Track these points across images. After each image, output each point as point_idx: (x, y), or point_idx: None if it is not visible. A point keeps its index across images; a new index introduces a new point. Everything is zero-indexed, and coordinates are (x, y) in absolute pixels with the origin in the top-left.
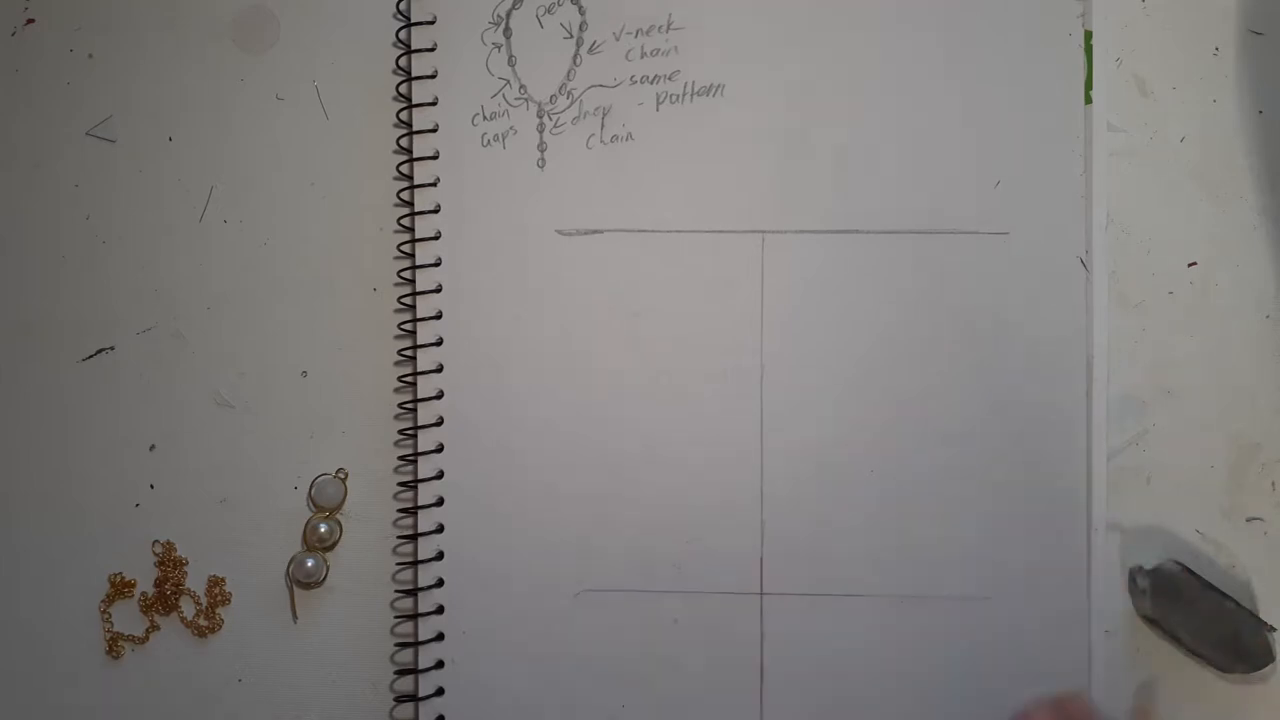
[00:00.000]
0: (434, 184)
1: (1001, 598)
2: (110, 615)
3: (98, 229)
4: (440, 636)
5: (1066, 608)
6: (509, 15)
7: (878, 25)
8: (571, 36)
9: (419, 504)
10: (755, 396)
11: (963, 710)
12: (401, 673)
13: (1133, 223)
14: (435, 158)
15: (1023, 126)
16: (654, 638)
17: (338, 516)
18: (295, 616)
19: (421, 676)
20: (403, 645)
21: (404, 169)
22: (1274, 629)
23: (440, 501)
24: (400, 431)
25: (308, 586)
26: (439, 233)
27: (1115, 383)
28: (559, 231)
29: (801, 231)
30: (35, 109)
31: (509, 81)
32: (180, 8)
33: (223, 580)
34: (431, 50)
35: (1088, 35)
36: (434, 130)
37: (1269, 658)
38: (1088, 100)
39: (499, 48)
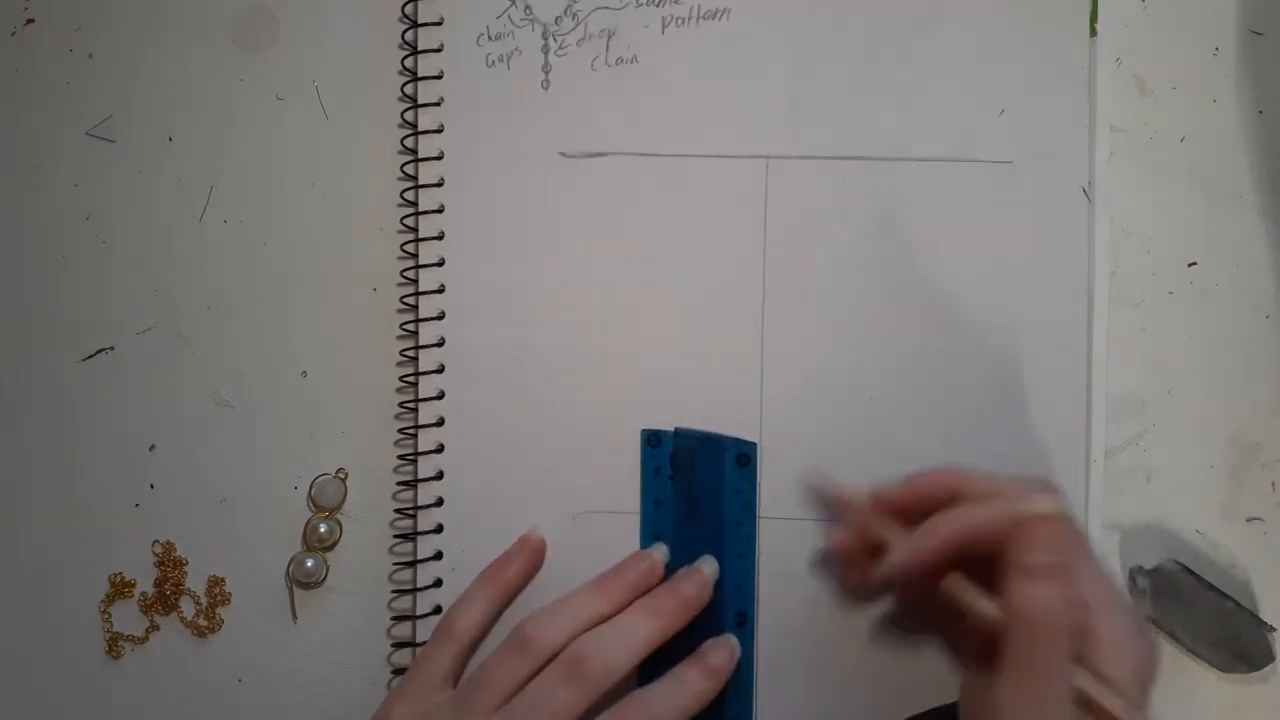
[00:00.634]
0: (438, 104)
1: None
2: (110, 615)
3: (98, 229)
4: None
5: None
6: None
7: None
8: None
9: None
10: (756, 323)
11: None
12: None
13: (1133, 223)
14: (440, 77)
15: (1027, 56)
16: None
17: (337, 516)
18: (295, 616)
19: None
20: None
21: (409, 90)
22: (1274, 629)
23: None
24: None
25: (308, 586)
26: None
27: (1115, 382)
28: (563, 154)
29: (806, 157)
30: (35, 109)
31: (514, 2)
32: (180, 8)
33: (223, 580)
34: None
35: None
36: (439, 50)
37: (1269, 658)
38: (1093, 32)
39: None
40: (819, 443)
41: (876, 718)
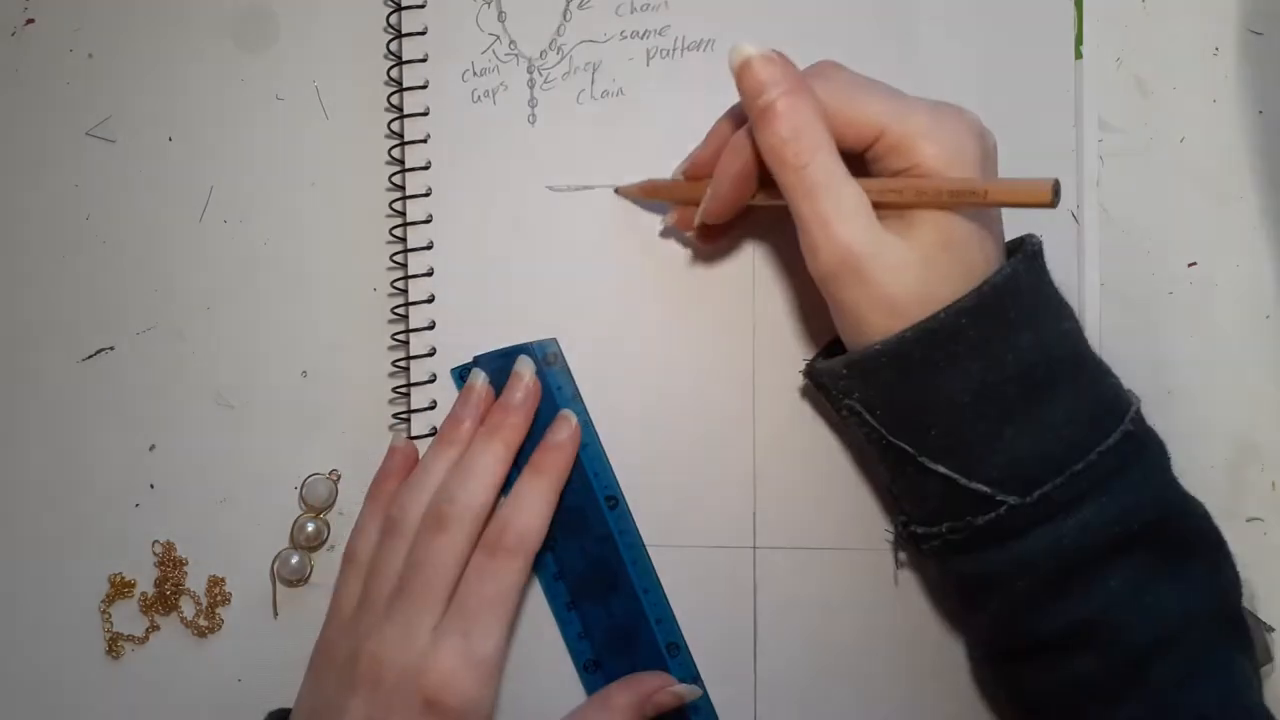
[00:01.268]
0: (424, 141)
1: None
2: (110, 615)
3: (98, 229)
4: None
5: None
6: None
7: None
8: None
9: None
10: (748, 351)
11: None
12: None
13: (1133, 223)
14: (425, 114)
15: (1014, 80)
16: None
17: (325, 516)
18: (276, 612)
19: None
20: None
21: (395, 126)
22: (1273, 629)
23: None
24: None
25: (293, 584)
26: (429, 189)
27: None
28: (549, 188)
29: None
30: (35, 109)
31: (499, 37)
32: (180, 8)
33: (223, 580)
34: (422, 6)
35: None
36: (424, 87)
37: (1268, 658)
38: (1078, 55)
39: (489, 3)
40: (815, 457)
41: None
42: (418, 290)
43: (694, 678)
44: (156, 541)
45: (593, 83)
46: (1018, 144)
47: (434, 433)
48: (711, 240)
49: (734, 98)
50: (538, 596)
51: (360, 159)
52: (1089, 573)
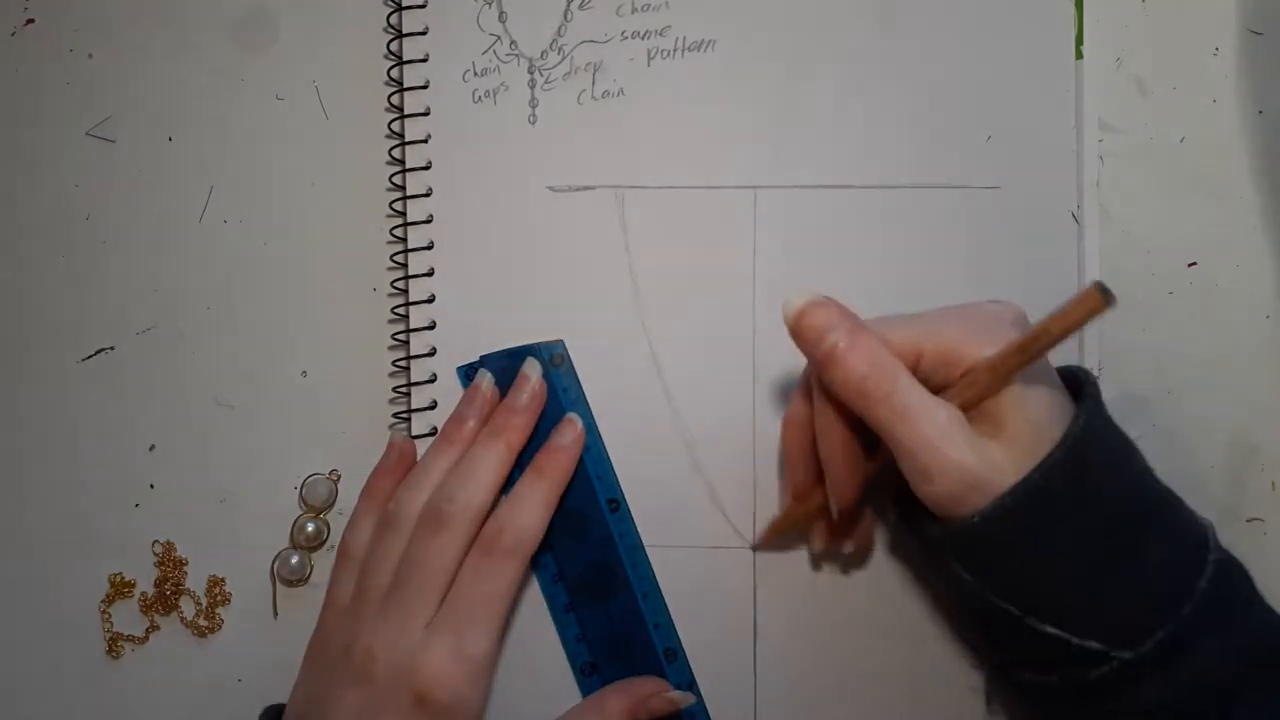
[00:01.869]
0: (425, 141)
1: None
2: (110, 615)
3: (98, 229)
4: None
5: None
6: None
7: None
8: None
9: None
10: (748, 353)
11: (956, 667)
12: None
13: (1133, 223)
14: (426, 114)
15: (1014, 81)
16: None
17: (325, 516)
18: (276, 612)
19: None
20: None
21: (395, 126)
22: None
23: None
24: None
25: (293, 584)
26: (430, 189)
27: (1115, 383)
28: (550, 188)
29: (794, 186)
30: (35, 109)
31: (500, 38)
32: (180, 8)
33: (223, 580)
34: (422, 6)
35: None
36: (425, 87)
37: None
38: (1078, 55)
39: (490, 4)
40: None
41: None
42: (418, 290)
43: (690, 684)
44: (156, 541)
45: (593, 83)
46: (1018, 144)
47: (434, 433)
48: (854, 535)
49: (734, 98)
50: (536, 597)
51: (360, 159)
52: (1215, 712)
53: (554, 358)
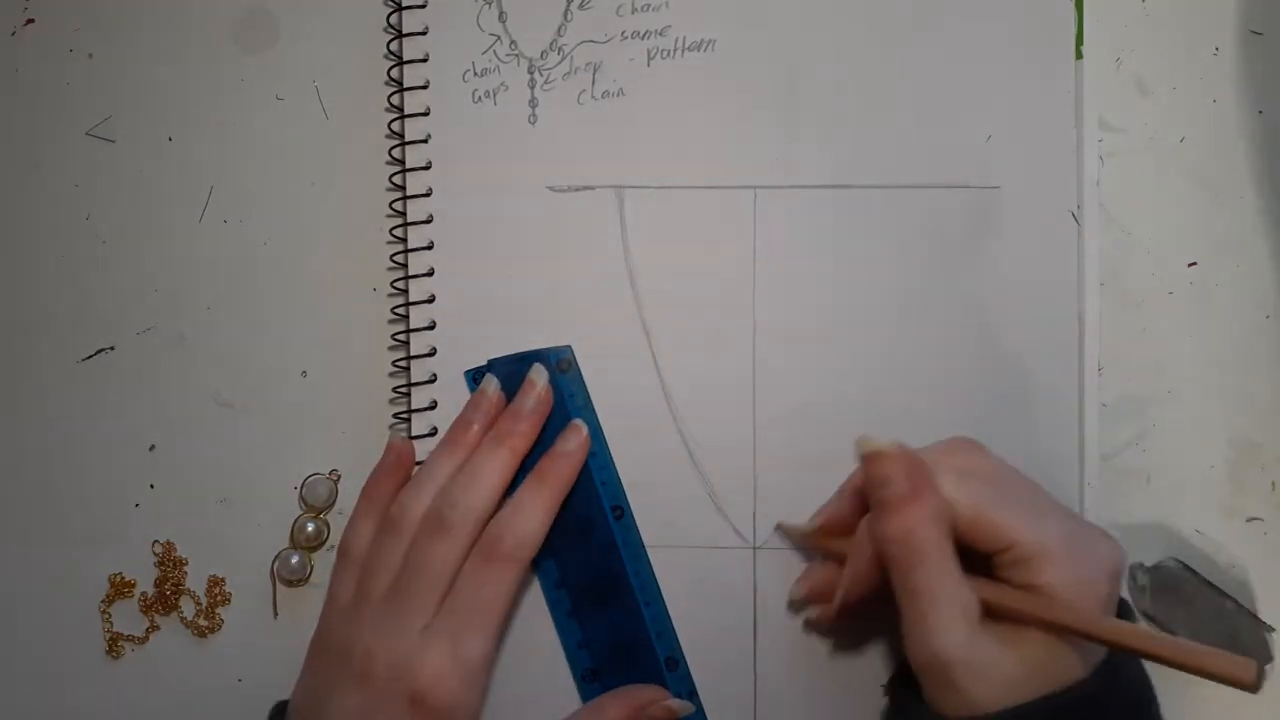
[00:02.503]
0: (425, 140)
1: None
2: (110, 615)
3: (98, 229)
4: None
5: None
6: None
7: None
8: None
9: None
10: (748, 353)
11: None
12: None
13: (1133, 223)
14: (426, 114)
15: (1014, 81)
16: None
17: (325, 516)
18: (276, 612)
19: None
20: None
21: (395, 126)
22: (1272, 629)
23: None
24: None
25: (293, 584)
26: (430, 189)
27: (1115, 383)
28: (550, 188)
29: (794, 187)
30: (35, 109)
31: (500, 38)
32: (180, 8)
33: (223, 580)
34: (422, 6)
35: None
36: (425, 87)
37: (1268, 657)
38: (1078, 55)
39: (490, 4)
40: (813, 469)
41: None
42: (418, 290)
43: (691, 693)
44: (156, 541)
45: (593, 83)
46: (1018, 144)
47: (434, 433)
48: (844, 618)
49: (733, 98)
50: (539, 603)
51: (360, 159)
52: None
53: (561, 363)
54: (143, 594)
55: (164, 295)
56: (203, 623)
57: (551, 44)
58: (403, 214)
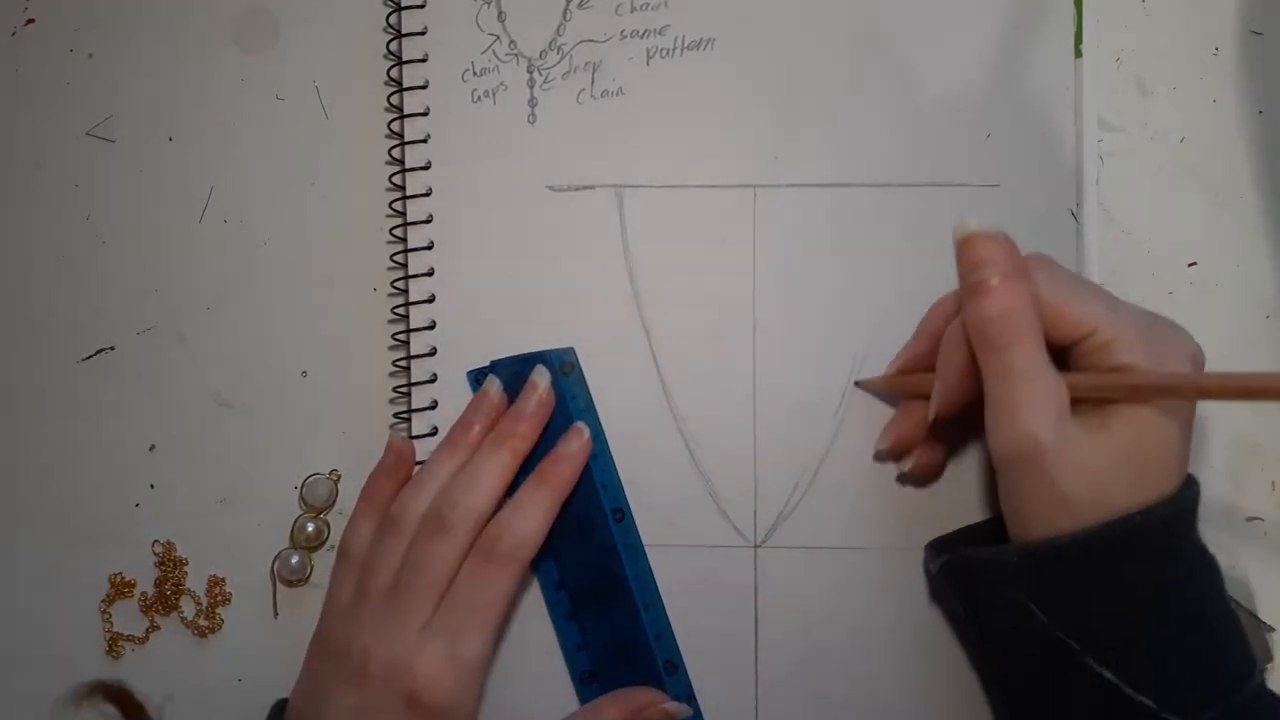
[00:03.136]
0: (424, 140)
1: None
2: (110, 615)
3: (98, 229)
4: None
5: None
6: None
7: None
8: None
9: None
10: (748, 352)
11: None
12: None
13: (1133, 223)
14: (425, 114)
15: (1013, 80)
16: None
17: (325, 516)
18: (276, 612)
19: None
20: None
21: (395, 126)
22: (1273, 629)
23: None
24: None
25: (293, 584)
26: (429, 189)
27: None
28: (550, 187)
29: (793, 185)
30: (35, 109)
31: (499, 37)
32: (180, 8)
33: (223, 580)
34: (422, 6)
35: None
36: (424, 87)
37: (1268, 658)
38: (1078, 54)
39: (489, 3)
40: (813, 468)
41: None
42: (418, 290)
43: (689, 697)
44: (156, 541)
45: (593, 82)
46: (1018, 143)
47: (434, 432)
48: (928, 472)
49: (733, 97)
50: (538, 604)
51: (360, 159)
52: None
53: (563, 365)
54: (143, 594)
55: (164, 295)
56: (203, 623)
57: (551, 43)
58: (403, 214)
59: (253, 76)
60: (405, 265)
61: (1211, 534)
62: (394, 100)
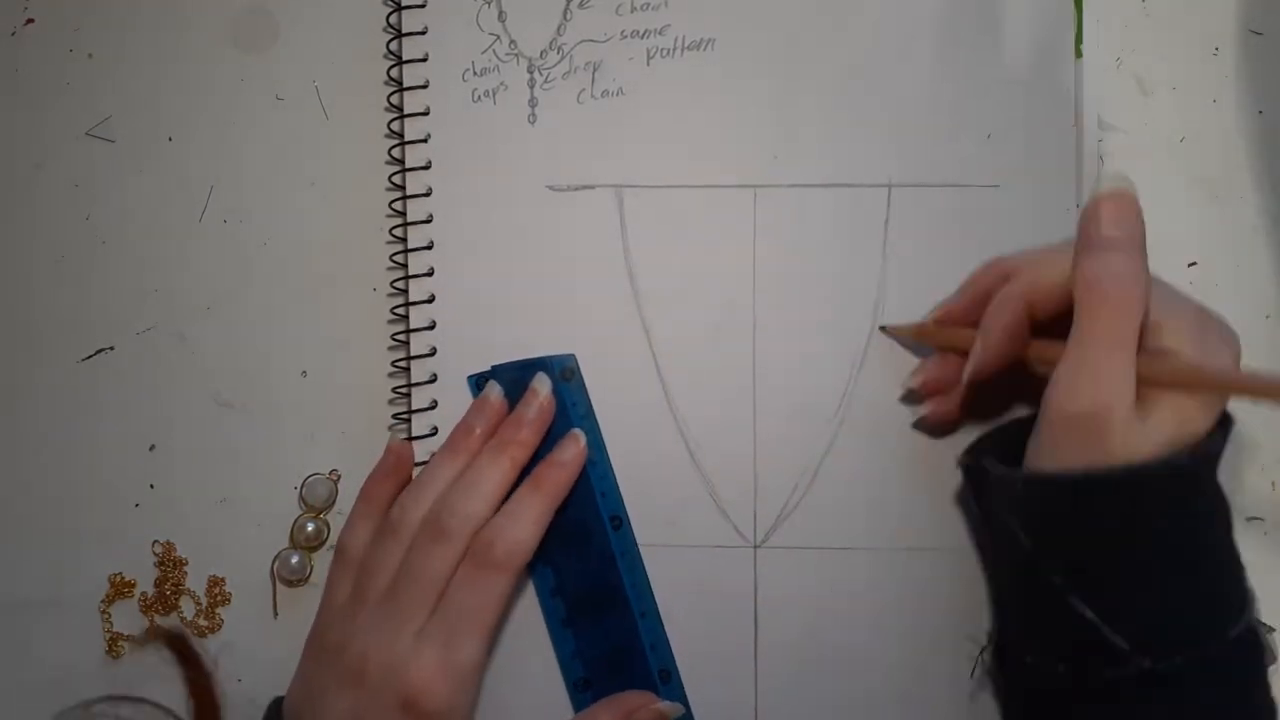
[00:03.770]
0: (425, 140)
1: None
2: (110, 615)
3: (98, 229)
4: None
5: None
6: None
7: None
8: None
9: None
10: (748, 352)
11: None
12: None
13: None
14: (426, 114)
15: (1013, 80)
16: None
17: (325, 516)
18: (276, 612)
19: None
20: None
21: (395, 126)
22: (1273, 629)
23: None
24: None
25: (293, 584)
26: (429, 189)
27: None
28: (550, 187)
29: (793, 185)
30: (35, 109)
31: (499, 37)
32: (180, 8)
33: (223, 580)
34: (422, 6)
35: None
36: (424, 87)
37: (1271, 658)
38: (1078, 54)
39: (489, 3)
40: (813, 468)
41: None
42: (418, 290)
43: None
44: (156, 541)
45: (593, 82)
46: (1018, 144)
47: (434, 433)
48: (951, 418)
49: (733, 97)
50: (534, 610)
51: (360, 159)
52: None
53: (564, 371)
54: (143, 594)
55: (164, 295)
56: (203, 623)
57: (551, 43)
58: (403, 214)
59: (253, 76)
60: (405, 265)
61: None
62: (394, 100)
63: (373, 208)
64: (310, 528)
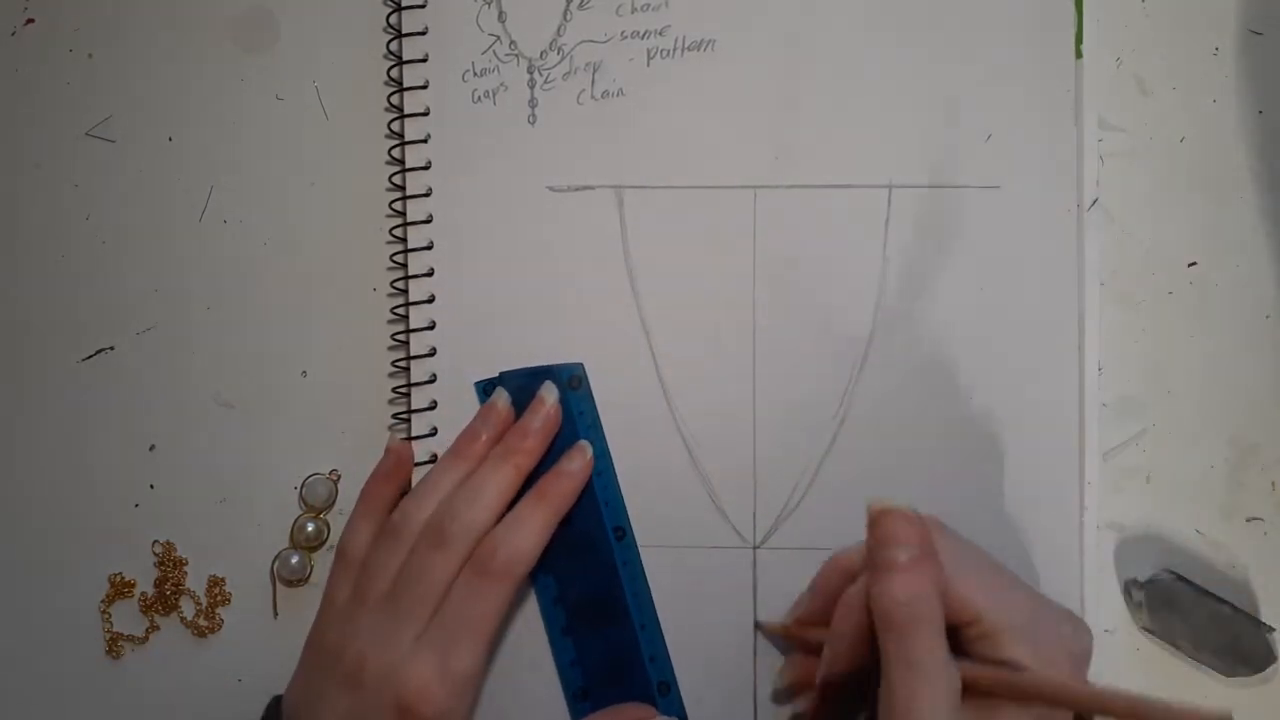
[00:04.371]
0: (424, 140)
1: None
2: (110, 615)
3: (98, 229)
4: None
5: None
6: None
7: None
8: None
9: None
10: (748, 353)
11: None
12: None
13: (1133, 223)
14: (426, 114)
15: (1013, 81)
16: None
17: (325, 516)
18: (276, 612)
19: None
20: None
21: (395, 126)
22: (1273, 629)
23: None
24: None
25: (293, 584)
26: (429, 189)
27: (1115, 383)
28: (550, 188)
29: (793, 186)
30: (35, 109)
31: (499, 38)
32: (180, 8)
33: (223, 580)
34: (422, 6)
35: None
36: (424, 87)
37: (1270, 659)
38: (1078, 55)
39: (489, 4)
40: (813, 468)
41: None
42: (418, 290)
43: (681, 719)
44: (156, 541)
45: (593, 83)
46: (1018, 144)
47: (434, 433)
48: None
49: (733, 97)
50: (535, 619)
51: (360, 159)
52: None
53: (571, 380)
54: (143, 594)
55: (164, 295)
56: (203, 623)
57: (551, 44)
58: (403, 214)
59: (253, 76)
60: (405, 265)
61: (1212, 534)
62: (394, 100)
63: (373, 208)
64: (310, 528)
